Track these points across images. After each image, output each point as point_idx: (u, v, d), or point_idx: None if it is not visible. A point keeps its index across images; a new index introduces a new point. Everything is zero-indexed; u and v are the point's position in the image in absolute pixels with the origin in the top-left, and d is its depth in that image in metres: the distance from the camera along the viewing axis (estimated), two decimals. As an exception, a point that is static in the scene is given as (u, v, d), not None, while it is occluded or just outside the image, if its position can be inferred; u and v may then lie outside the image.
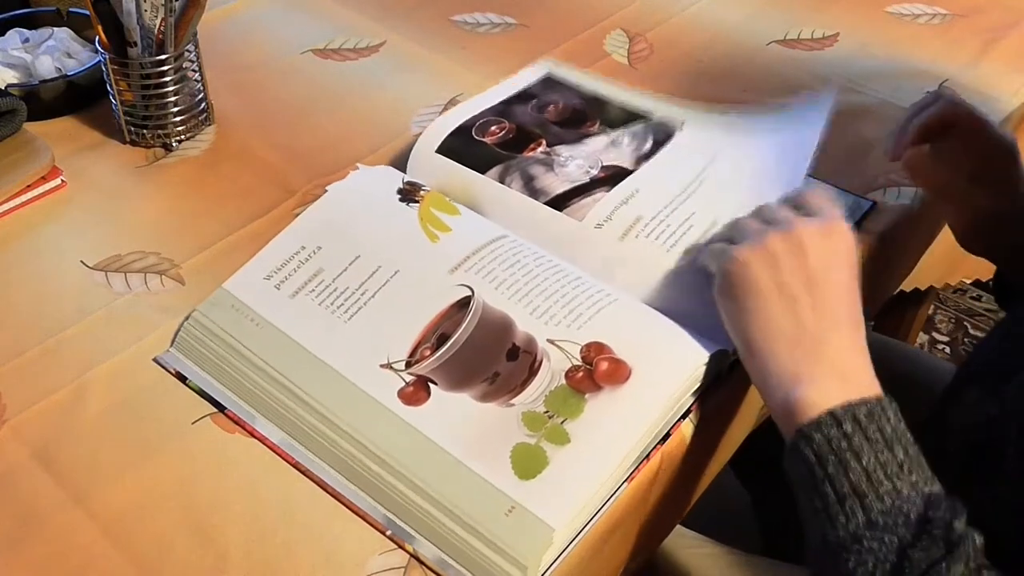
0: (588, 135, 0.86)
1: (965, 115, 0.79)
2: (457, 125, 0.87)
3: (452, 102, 0.99)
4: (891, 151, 0.81)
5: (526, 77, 0.94)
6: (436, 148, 0.85)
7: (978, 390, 0.68)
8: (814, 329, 0.63)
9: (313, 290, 0.74)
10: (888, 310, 1.50)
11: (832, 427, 0.59)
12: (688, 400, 0.69)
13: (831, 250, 0.66)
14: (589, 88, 0.92)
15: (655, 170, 0.82)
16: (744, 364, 0.66)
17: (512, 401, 0.67)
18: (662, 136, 0.86)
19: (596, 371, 0.67)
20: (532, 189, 0.81)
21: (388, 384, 0.68)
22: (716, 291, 0.68)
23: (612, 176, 0.82)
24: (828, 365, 0.62)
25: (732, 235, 0.70)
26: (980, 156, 0.79)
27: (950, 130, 0.79)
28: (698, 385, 0.69)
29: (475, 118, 0.87)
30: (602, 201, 0.79)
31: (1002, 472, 0.63)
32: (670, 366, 0.68)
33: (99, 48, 0.89)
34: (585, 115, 0.89)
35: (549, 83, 0.94)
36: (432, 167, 0.84)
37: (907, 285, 1.12)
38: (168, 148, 0.94)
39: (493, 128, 0.86)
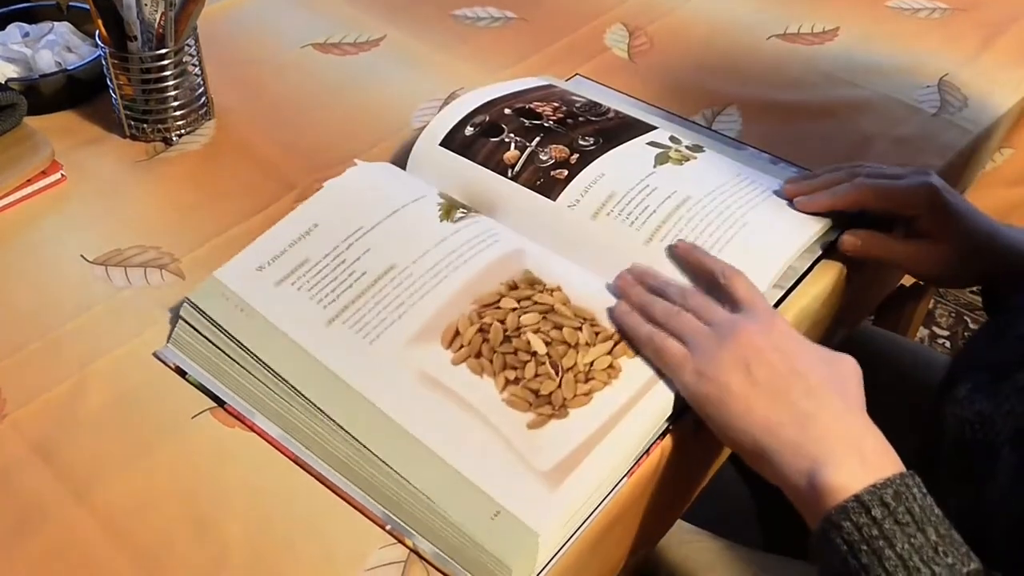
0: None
1: (873, 196, 0.79)
2: (459, 119, 0.87)
3: (452, 96, 0.99)
4: (790, 196, 0.82)
5: (527, 82, 0.95)
6: (439, 141, 0.85)
7: (970, 385, 0.68)
8: (815, 410, 0.63)
9: (306, 283, 0.73)
10: (888, 304, 1.50)
11: (861, 514, 0.57)
12: (665, 424, 0.69)
13: (784, 338, 0.66)
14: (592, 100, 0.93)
15: (625, 153, 0.84)
16: (756, 468, 0.65)
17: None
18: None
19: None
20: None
21: (377, 382, 0.68)
22: (693, 404, 0.67)
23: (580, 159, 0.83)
24: (846, 446, 0.61)
25: (673, 331, 0.69)
26: (906, 219, 0.80)
27: (860, 207, 0.80)
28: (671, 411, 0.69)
29: (480, 118, 0.87)
30: (575, 180, 0.80)
31: (994, 471, 0.63)
32: (654, 389, 0.68)
33: (99, 42, 0.89)
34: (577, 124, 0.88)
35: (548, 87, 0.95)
36: (434, 160, 0.84)
37: (907, 279, 1.12)
38: (168, 142, 0.94)
39: (507, 153, 0.85)
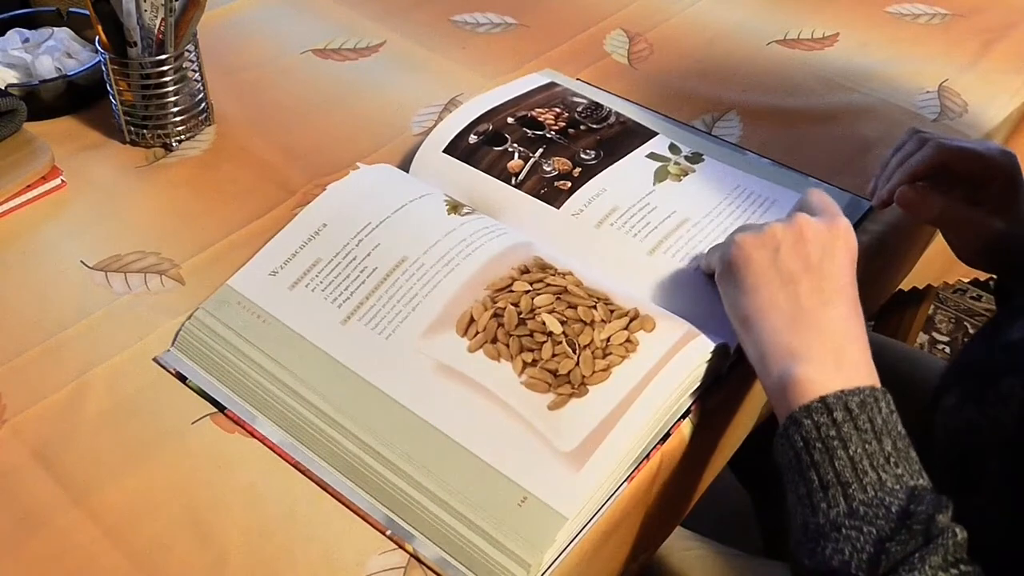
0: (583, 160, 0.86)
1: (956, 155, 0.79)
2: (463, 127, 0.87)
3: (452, 102, 0.99)
4: (879, 198, 0.81)
5: (529, 82, 0.95)
6: (443, 148, 0.86)
7: (959, 394, 0.68)
8: (811, 308, 0.64)
9: (320, 283, 0.74)
10: (887, 310, 1.50)
11: (823, 414, 0.59)
12: (688, 400, 0.69)
13: (831, 241, 0.67)
14: (591, 101, 0.93)
15: (625, 168, 0.85)
16: (741, 343, 0.67)
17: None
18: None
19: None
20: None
21: (396, 377, 0.68)
22: (717, 277, 0.70)
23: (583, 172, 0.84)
24: (824, 345, 0.63)
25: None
26: (976, 184, 0.79)
27: (941, 169, 0.79)
28: (698, 384, 0.69)
29: (484, 127, 0.88)
30: (578, 192, 0.81)
31: (983, 481, 0.63)
32: (674, 360, 0.68)
33: (99, 48, 0.89)
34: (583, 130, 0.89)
35: (551, 87, 0.95)
36: (438, 166, 0.84)
37: (906, 284, 1.12)
38: (168, 148, 0.94)
39: (512, 162, 0.86)
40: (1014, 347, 0.68)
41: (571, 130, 0.88)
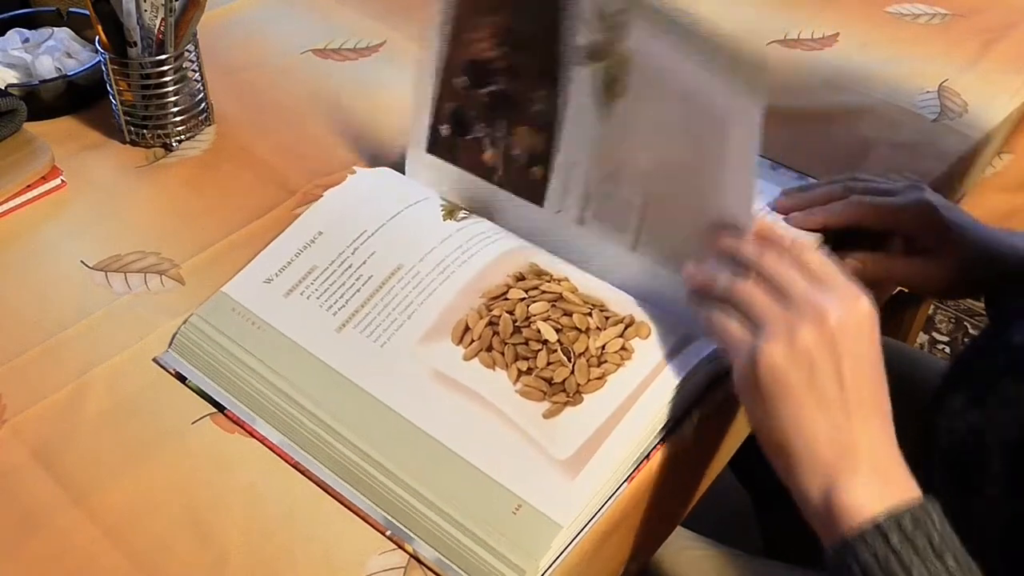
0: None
1: (868, 216, 0.78)
2: (430, 120, 0.82)
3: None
4: (781, 207, 0.80)
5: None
6: (426, 148, 0.83)
7: (961, 396, 0.68)
8: (849, 428, 0.61)
9: (315, 291, 0.74)
10: (888, 310, 1.49)
11: (878, 540, 0.56)
12: (687, 402, 0.69)
13: (862, 338, 0.62)
14: None
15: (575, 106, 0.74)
16: (771, 462, 0.63)
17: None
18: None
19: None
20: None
21: (391, 384, 0.68)
22: (738, 386, 0.64)
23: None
24: (865, 463, 0.60)
25: (740, 305, 0.64)
26: (905, 235, 0.79)
27: (858, 225, 0.78)
28: (696, 388, 0.69)
29: (447, 106, 0.80)
30: (552, 183, 0.76)
31: (985, 483, 0.63)
32: (670, 366, 0.68)
33: (99, 48, 0.89)
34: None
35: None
36: (428, 167, 0.84)
37: (906, 284, 1.12)
38: (168, 148, 0.94)
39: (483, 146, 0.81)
40: (1016, 349, 0.68)
41: (515, 56, 0.76)
